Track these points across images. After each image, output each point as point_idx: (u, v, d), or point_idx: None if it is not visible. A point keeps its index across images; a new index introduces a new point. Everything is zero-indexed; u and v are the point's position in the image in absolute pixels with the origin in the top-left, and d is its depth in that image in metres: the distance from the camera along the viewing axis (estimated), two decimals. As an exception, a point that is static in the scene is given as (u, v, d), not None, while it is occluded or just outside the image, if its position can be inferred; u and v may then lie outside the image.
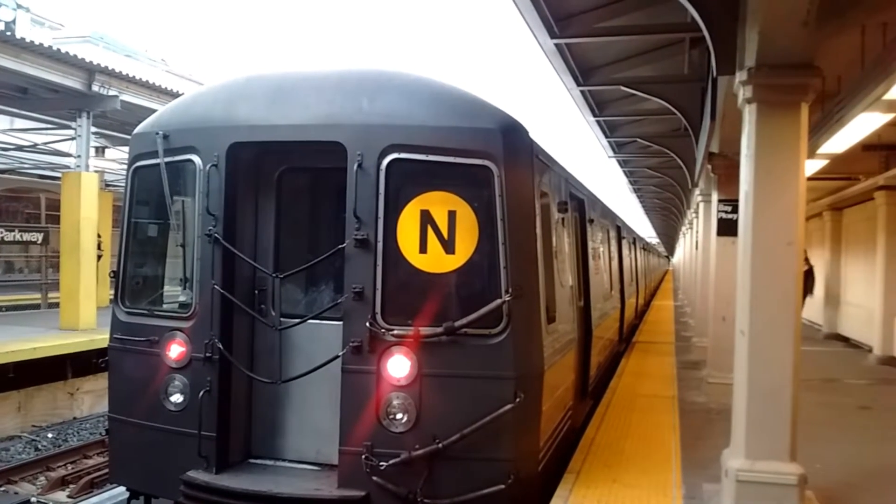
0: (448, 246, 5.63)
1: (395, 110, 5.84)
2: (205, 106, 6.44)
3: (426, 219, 5.65)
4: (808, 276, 18.24)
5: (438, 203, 5.65)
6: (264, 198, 6.47)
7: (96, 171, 18.81)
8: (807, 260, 17.83)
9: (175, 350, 6.22)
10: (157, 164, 6.27)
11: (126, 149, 23.58)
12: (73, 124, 17.49)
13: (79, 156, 17.16)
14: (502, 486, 5.48)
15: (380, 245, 5.68)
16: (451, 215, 5.63)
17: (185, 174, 6.39)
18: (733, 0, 6.31)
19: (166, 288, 6.98)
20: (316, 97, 6.02)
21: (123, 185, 7.00)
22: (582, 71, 12.03)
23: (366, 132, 5.73)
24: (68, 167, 18.48)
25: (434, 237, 5.64)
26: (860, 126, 9.05)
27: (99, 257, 18.38)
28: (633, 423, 9.20)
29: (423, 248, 5.66)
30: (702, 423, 9.39)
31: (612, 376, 12.84)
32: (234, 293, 6.18)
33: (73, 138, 17.80)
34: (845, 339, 18.90)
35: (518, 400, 5.50)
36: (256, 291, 6.38)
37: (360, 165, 5.71)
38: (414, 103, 5.92)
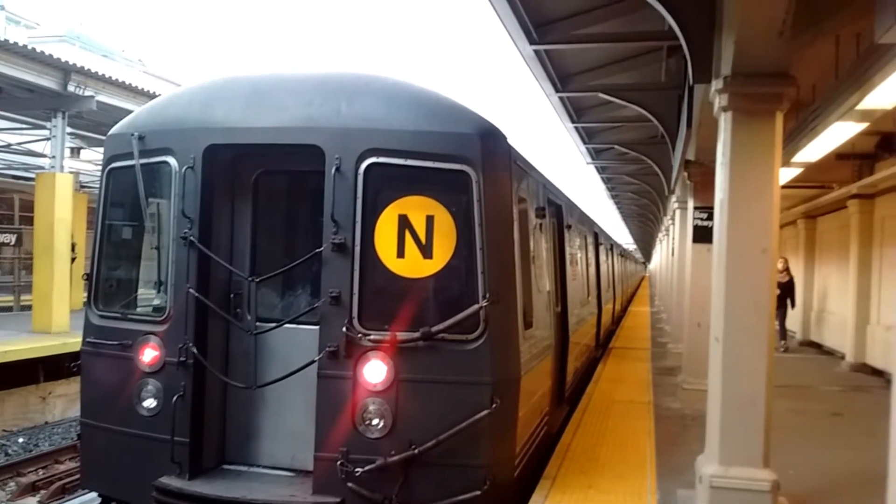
0: (426, 251, 5.61)
1: (374, 114, 5.82)
2: (181, 107, 6.36)
3: (404, 223, 5.63)
4: (789, 288, 17.97)
5: (416, 208, 5.64)
6: (241, 200, 6.40)
7: (71, 173, 18.60)
8: (787, 270, 17.87)
9: (148, 354, 6.14)
10: (132, 166, 6.20)
11: (102, 150, 23.41)
12: (48, 124, 17.30)
13: (53, 156, 16.96)
14: (478, 492, 5.47)
15: (357, 249, 5.65)
16: (429, 220, 5.61)
17: (160, 176, 6.31)
18: (710, 9, 6.37)
19: (140, 291, 6.85)
20: (294, 100, 5.97)
21: (98, 186, 6.93)
22: (560, 77, 12.09)
23: (344, 135, 5.71)
24: (43, 168, 18.25)
25: (412, 242, 5.62)
26: (834, 135, 9.17)
27: (73, 259, 18.14)
28: (609, 428, 9.22)
29: (400, 253, 5.64)
30: (677, 428, 9.44)
31: (589, 382, 12.88)
32: (210, 297, 6.11)
33: (47, 139, 17.61)
34: (819, 346, 19.10)
35: (494, 405, 5.48)
36: (232, 295, 6.31)
37: (337, 169, 5.67)
38: (392, 107, 5.89)
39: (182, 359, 5.98)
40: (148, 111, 6.61)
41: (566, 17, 9.61)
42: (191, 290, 5.99)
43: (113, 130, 6.65)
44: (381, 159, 5.66)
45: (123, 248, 6.96)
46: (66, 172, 17.40)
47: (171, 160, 6.15)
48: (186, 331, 6.00)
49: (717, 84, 6.07)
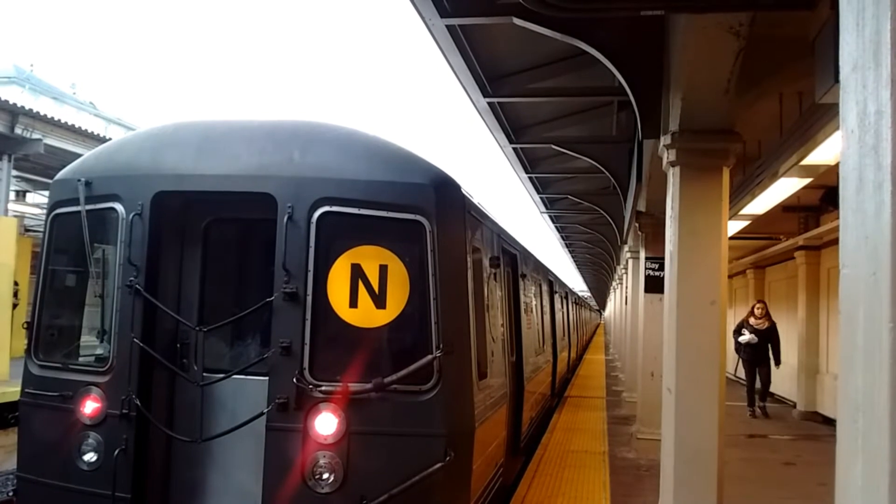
0: (379, 300, 5.52)
1: (327, 163, 5.77)
2: (130, 153, 6.24)
3: (357, 273, 5.54)
4: (769, 336, 15.55)
5: (370, 257, 5.56)
6: (190, 248, 6.26)
7: (15, 216, 18.11)
8: (767, 316, 15.76)
9: (89, 406, 5.89)
10: (78, 212, 6.03)
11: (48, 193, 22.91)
12: (-8, 167, 16.89)
13: (-3, 200, 16.53)
14: None
15: (309, 298, 5.53)
16: (383, 269, 5.53)
17: (106, 222, 6.15)
18: (658, 68, 6.54)
19: (83, 340, 6.59)
20: (246, 147, 5.89)
21: (42, 231, 6.76)
22: (514, 129, 12.26)
23: (297, 184, 5.64)
24: (-14, 212, 17.74)
25: (365, 291, 5.52)
26: (780, 189, 9.43)
27: (15, 306, 17.52)
28: (565, 479, 9.14)
29: (353, 303, 5.53)
30: (632, 479, 9.39)
31: (545, 431, 12.80)
32: (155, 347, 5.93)
33: (-8, 182, 17.15)
34: (771, 395, 19.34)
35: (448, 458, 5.34)
36: (178, 345, 6.13)
37: (290, 217, 5.58)
38: (346, 156, 5.84)
39: (125, 411, 5.75)
40: (96, 156, 6.49)
41: (519, 72, 9.79)
42: (135, 340, 5.81)
43: (59, 175, 6.51)
44: (335, 208, 5.60)
45: (66, 296, 6.76)
46: (9, 216, 16.95)
47: (119, 206, 6.03)
48: (130, 382, 5.80)
49: (665, 139, 6.21)
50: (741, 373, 16.68)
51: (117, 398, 5.79)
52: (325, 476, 5.42)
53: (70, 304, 6.78)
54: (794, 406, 16.17)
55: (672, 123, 6.14)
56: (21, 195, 21.77)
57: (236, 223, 6.47)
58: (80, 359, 6.44)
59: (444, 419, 5.47)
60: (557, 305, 18.20)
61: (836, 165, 1.94)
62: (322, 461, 5.42)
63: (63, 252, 6.61)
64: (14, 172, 17.26)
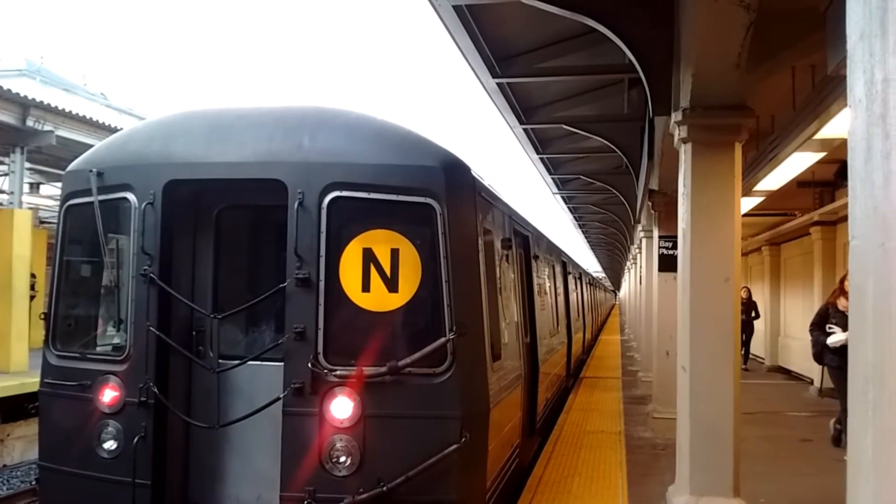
0: (391, 284, 5.54)
1: (337, 148, 5.79)
2: (141, 142, 6.28)
3: (369, 257, 5.55)
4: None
5: (381, 241, 5.57)
6: (202, 236, 6.31)
7: (30, 208, 18.26)
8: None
9: (108, 395, 5.97)
10: (91, 203, 6.08)
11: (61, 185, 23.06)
12: (6, 160, 17.02)
13: (11, 192, 16.68)
14: None
15: (321, 284, 5.56)
16: (394, 253, 5.54)
17: (119, 212, 6.20)
18: (668, 44, 6.47)
19: (99, 330, 6.70)
20: (256, 134, 5.92)
21: (56, 223, 6.81)
22: (524, 109, 12.19)
23: (307, 170, 5.65)
24: (0, 204, 17.90)
25: (377, 275, 5.54)
26: (794, 164, 9.33)
27: (32, 297, 17.73)
28: (581, 460, 9.16)
29: (365, 287, 5.55)
30: (648, 458, 9.40)
31: (560, 412, 12.81)
32: (171, 335, 5.98)
33: (5, 174, 17.30)
34: (787, 372, 19.27)
35: (464, 440, 5.38)
36: (194, 332, 6.19)
37: (300, 203, 5.60)
38: (355, 141, 5.86)
39: (143, 399, 5.82)
40: (107, 147, 6.52)
41: (528, 52, 9.72)
42: (151, 328, 5.86)
43: (71, 167, 6.56)
44: (345, 193, 5.61)
45: (82, 287, 6.84)
46: (24, 208, 17.08)
47: (131, 196, 6.06)
48: (147, 370, 5.86)
49: (676, 116, 6.15)
50: (827, 381, 11.86)
51: (135, 386, 5.86)
52: (342, 459, 5.47)
53: (86, 294, 6.86)
54: (811, 383, 16.09)
55: (683, 100, 6.07)
56: (35, 187, 21.91)
57: (247, 210, 6.50)
58: (98, 348, 6.54)
59: (459, 401, 5.50)
60: (571, 286, 18.15)
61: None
62: (339, 444, 5.48)
63: (77, 243, 6.67)
64: (27, 165, 17.35)
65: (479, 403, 5.80)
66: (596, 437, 10.61)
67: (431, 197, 5.57)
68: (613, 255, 43.89)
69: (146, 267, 5.91)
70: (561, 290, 15.09)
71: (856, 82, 1.85)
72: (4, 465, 15.38)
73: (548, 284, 12.57)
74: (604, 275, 71.26)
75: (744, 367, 17.99)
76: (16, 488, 13.74)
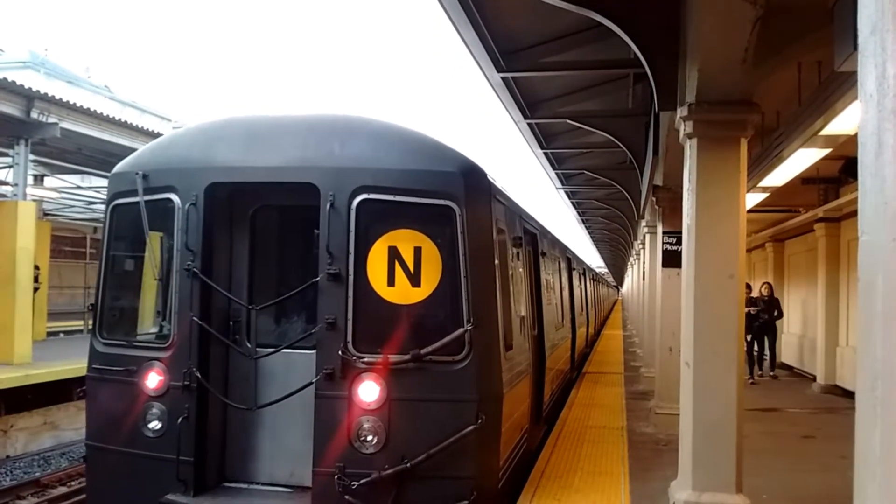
0: (414, 279, 6.05)
1: (365, 154, 6.31)
2: (183, 148, 6.83)
3: (393, 254, 6.07)
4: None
5: (405, 240, 6.09)
6: (238, 234, 6.84)
7: (34, 200, 18.26)
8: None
9: (153, 379, 6.50)
10: (136, 202, 6.60)
11: (67, 177, 23.04)
12: (10, 152, 17.00)
13: (16, 184, 16.65)
14: (466, 502, 5.84)
15: (351, 278, 6.07)
16: (417, 251, 6.06)
17: (163, 212, 6.68)
18: (674, 38, 6.45)
19: (144, 320, 7.27)
20: (290, 141, 6.45)
21: (102, 221, 7.31)
22: (529, 104, 12.17)
23: (337, 174, 6.16)
24: (5, 196, 17.92)
25: (401, 271, 6.05)
26: (799, 160, 9.30)
27: (36, 289, 17.74)
28: (583, 454, 9.16)
29: (390, 282, 6.07)
30: (650, 454, 9.40)
31: (564, 405, 12.83)
32: (211, 325, 6.49)
33: (10, 166, 17.29)
34: (790, 368, 19.25)
35: (480, 421, 5.89)
36: (231, 322, 6.70)
37: (332, 205, 6.11)
38: (381, 148, 6.39)
39: (186, 383, 6.36)
40: (151, 151, 7.07)
41: (533, 46, 9.70)
42: (194, 319, 6.38)
43: (116, 169, 7.07)
44: (372, 196, 6.12)
45: (127, 280, 7.41)
46: (28, 200, 17.08)
47: (175, 197, 6.57)
48: (190, 356, 6.39)
49: (682, 111, 6.13)
50: None
51: (179, 371, 6.40)
52: (370, 438, 6.00)
53: (130, 286, 7.43)
54: (814, 380, 16.09)
55: (689, 95, 6.05)
56: (39, 179, 21.90)
57: (279, 210, 7.03)
58: (142, 336, 7.12)
59: (476, 386, 6.02)
60: (575, 282, 18.28)
61: (856, 135, 1.91)
62: (366, 425, 6.00)
63: (122, 239, 7.24)
64: (31, 157, 17.34)
65: (494, 389, 6.29)
66: (598, 433, 10.62)
67: (451, 199, 6.08)
68: (616, 250, 43.85)
69: (189, 262, 6.43)
70: (566, 285, 15.31)
71: (867, 77, 1.84)
72: (8, 457, 15.43)
73: (553, 280, 12.86)
74: (606, 270, 71.22)
75: (771, 374, 17.43)
76: (19, 479, 13.80)
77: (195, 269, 6.40)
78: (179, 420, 6.29)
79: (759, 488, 7.02)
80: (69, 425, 16.97)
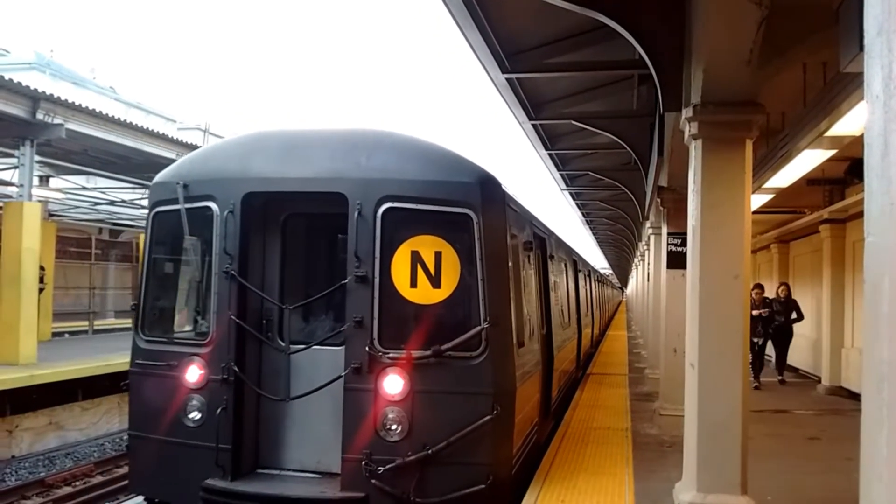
0: (435, 281, 6.54)
1: (389, 166, 6.82)
2: (221, 159, 7.38)
3: (416, 258, 6.56)
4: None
5: (426, 245, 6.58)
6: (271, 239, 7.33)
7: (40, 201, 18.30)
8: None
9: (194, 373, 6.98)
10: (176, 210, 7.09)
11: (72, 178, 23.07)
12: (15, 153, 17.05)
13: (21, 185, 16.70)
14: (482, 486, 6.32)
15: (376, 280, 6.56)
16: (438, 255, 6.55)
17: (202, 219, 7.16)
18: (679, 39, 6.44)
19: (183, 318, 7.78)
20: (321, 153, 6.98)
21: (144, 227, 7.92)
22: (533, 105, 12.16)
23: (364, 185, 6.65)
24: (10, 197, 17.95)
25: (423, 274, 6.55)
26: (804, 161, 9.28)
27: (41, 290, 17.78)
28: (587, 456, 9.15)
29: (413, 283, 6.57)
30: (654, 455, 9.38)
31: (569, 404, 12.83)
32: (246, 323, 6.99)
33: (15, 167, 17.35)
34: (794, 370, 19.19)
35: (495, 412, 6.38)
36: (264, 321, 7.18)
37: (359, 213, 6.60)
38: (405, 160, 6.92)
39: (224, 376, 6.83)
40: (190, 162, 7.64)
41: (538, 47, 9.69)
42: (233, 317, 6.87)
43: (158, 178, 7.59)
44: (397, 204, 6.62)
45: (167, 282, 7.94)
46: (34, 201, 17.13)
47: (213, 206, 7.08)
48: (228, 352, 6.88)
49: (686, 112, 6.13)
50: None
51: (217, 366, 6.88)
52: (394, 427, 6.48)
53: (170, 287, 7.94)
54: (819, 381, 16.02)
55: (694, 96, 6.05)
56: (44, 180, 21.95)
57: (308, 217, 7.56)
58: (182, 334, 7.65)
59: (492, 380, 6.50)
60: (581, 283, 18.41)
61: (862, 136, 1.90)
62: (391, 415, 6.49)
63: (163, 244, 7.76)
64: (37, 157, 17.38)
65: (508, 382, 6.75)
66: (603, 434, 10.59)
67: (469, 208, 6.57)
68: (621, 251, 43.79)
69: (227, 265, 6.93)
70: (572, 286, 15.51)
71: (873, 78, 1.83)
72: (13, 456, 15.49)
73: (561, 281, 13.14)
74: (611, 271, 71.13)
75: (779, 378, 16.68)
76: (24, 479, 13.84)
77: (233, 272, 6.89)
78: (218, 411, 6.77)
79: (764, 490, 7.00)
80: (74, 426, 17.02)
